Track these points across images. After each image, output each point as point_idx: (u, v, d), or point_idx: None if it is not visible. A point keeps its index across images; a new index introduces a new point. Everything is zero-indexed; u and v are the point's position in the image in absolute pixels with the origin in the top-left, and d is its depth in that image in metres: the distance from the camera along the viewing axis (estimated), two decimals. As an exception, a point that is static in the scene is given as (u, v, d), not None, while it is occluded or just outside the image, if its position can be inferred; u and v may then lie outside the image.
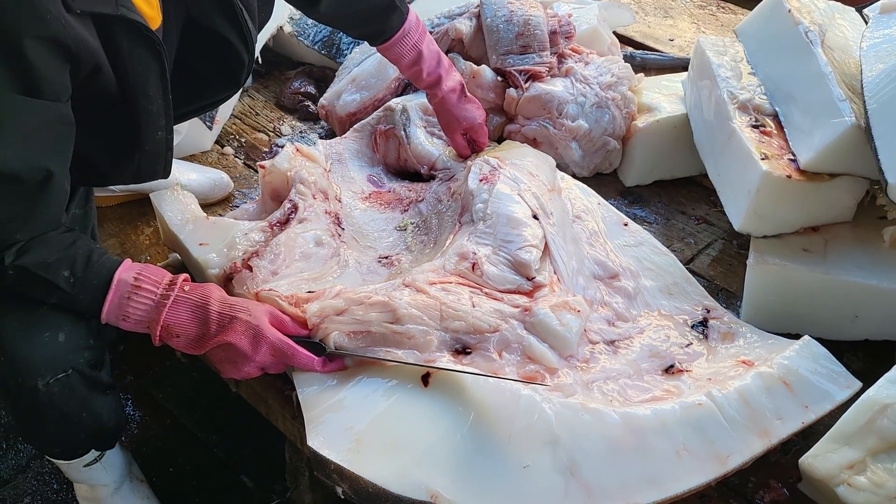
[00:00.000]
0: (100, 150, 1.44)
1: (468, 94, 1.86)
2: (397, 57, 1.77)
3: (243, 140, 2.24)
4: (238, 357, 1.36)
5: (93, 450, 1.56)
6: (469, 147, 1.89)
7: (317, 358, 1.38)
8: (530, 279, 1.51)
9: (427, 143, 1.95)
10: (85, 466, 1.58)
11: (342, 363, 1.40)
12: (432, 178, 1.91)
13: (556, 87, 2.06)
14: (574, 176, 1.97)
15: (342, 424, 1.29)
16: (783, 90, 1.77)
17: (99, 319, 1.35)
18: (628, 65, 2.16)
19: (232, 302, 1.38)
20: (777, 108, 1.77)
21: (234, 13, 1.52)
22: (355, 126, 2.03)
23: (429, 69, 1.78)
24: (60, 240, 1.32)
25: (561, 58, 2.14)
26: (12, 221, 1.25)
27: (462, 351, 1.42)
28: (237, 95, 2.27)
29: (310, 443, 1.26)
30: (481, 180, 1.68)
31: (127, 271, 1.34)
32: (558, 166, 1.90)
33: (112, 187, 1.93)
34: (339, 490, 1.25)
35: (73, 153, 1.31)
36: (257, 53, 2.38)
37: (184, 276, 1.38)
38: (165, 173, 1.55)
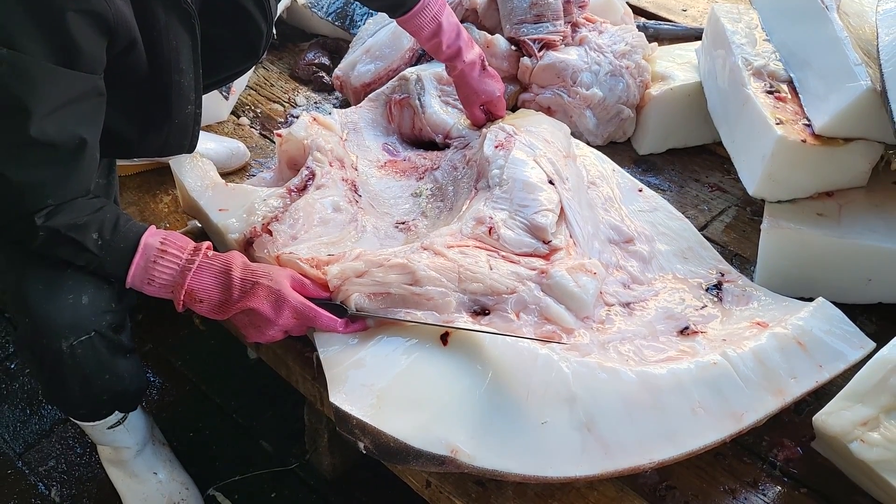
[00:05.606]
0: (129, 124, 1.47)
1: (487, 67, 1.86)
2: (416, 29, 1.77)
3: (259, 111, 2.26)
4: (261, 321, 1.39)
5: (116, 412, 1.59)
6: (486, 118, 1.90)
7: (339, 319, 1.40)
8: (546, 242, 1.53)
9: (442, 111, 1.96)
10: (108, 429, 1.61)
11: (364, 324, 1.42)
12: (447, 146, 1.93)
13: (570, 55, 2.06)
14: (588, 144, 1.98)
15: (364, 381, 1.31)
16: (798, 56, 1.77)
17: (124, 283, 1.38)
18: (642, 33, 2.17)
19: (254, 268, 1.40)
20: (792, 74, 1.77)
21: None
22: (370, 96, 2.05)
23: (448, 41, 1.78)
24: (89, 205, 1.35)
25: (575, 27, 2.14)
26: (45, 186, 1.29)
27: (480, 312, 1.43)
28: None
29: (332, 399, 1.28)
30: (497, 147, 1.69)
31: (153, 236, 1.37)
32: (572, 134, 1.91)
33: (133, 157, 1.95)
34: (361, 445, 1.28)
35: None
36: (271, 25, 2.39)
37: (207, 243, 1.41)
38: (191, 148, 1.58)
